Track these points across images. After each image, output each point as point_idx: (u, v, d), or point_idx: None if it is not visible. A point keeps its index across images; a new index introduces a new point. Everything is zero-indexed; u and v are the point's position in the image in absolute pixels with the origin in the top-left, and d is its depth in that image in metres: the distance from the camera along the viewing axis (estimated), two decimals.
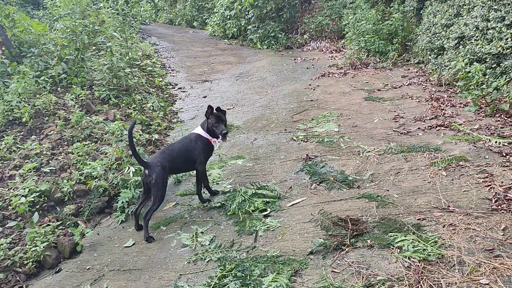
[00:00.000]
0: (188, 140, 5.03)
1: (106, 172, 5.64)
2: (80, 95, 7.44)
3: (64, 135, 6.43)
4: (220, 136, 4.93)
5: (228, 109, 8.44)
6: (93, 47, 9.58)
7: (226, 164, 6.15)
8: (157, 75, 10.16)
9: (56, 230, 4.80)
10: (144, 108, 7.83)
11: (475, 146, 5.48)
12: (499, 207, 4.10)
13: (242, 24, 15.38)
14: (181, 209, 5.15)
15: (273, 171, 5.72)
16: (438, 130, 6.24)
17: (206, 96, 9.30)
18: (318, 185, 5.14)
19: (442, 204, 4.28)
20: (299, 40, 14.39)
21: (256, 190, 5.16)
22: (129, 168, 5.51)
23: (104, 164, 5.62)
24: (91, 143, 6.28)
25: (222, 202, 5.06)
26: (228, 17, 16.01)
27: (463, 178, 4.75)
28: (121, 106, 7.75)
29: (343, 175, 5.27)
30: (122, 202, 5.20)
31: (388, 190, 4.75)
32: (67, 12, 9.49)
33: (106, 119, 7.09)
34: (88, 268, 4.32)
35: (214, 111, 4.95)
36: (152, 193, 4.63)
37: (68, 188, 5.30)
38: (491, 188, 4.46)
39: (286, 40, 14.39)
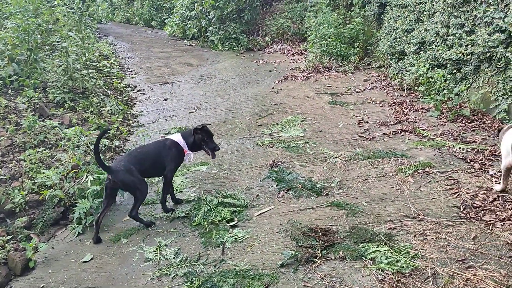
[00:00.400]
0: (162, 145, 4.90)
1: (61, 181, 5.29)
2: (32, 98, 7.01)
3: (15, 141, 6.04)
4: (208, 151, 4.95)
5: (190, 112, 8.23)
6: (47, 47, 9.10)
7: (189, 171, 5.93)
8: (115, 77, 9.77)
9: (6, 244, 4.44)
10: (102, 111, 7.48)
11: (440, 152, 5.52)
12: (468, 215, 4.10)
13: (203, 25, 15.13)
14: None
15: (239, 178, 5.56)
16: (403, 135, 6.26)
17: (167, 99, 9.02)
18: (286, 193, 5.01)
19: (411, 212, 4.25)
20: (260, 42, 14.31)
21: (222, 199, 4.97)
22: (86, 176, 5.19)
23: (60, 173, 5.27)
24: (45, 150, 5.90)
25: (187, 212, 4.82)
26: (188, 17, 15.71)
27: (431, 185, 4.75)
28: (77, 109, 7.36)
29: (310, 182, 5.17)
30: (79, 213, 4.86)
31: (357, 198, 4.68)
32: (19, 9, 8.96)
33: (61, 123, 6.71)
34: (42, 286, 4.00)
35: (204, 127, 4.90)
36: (133, 195, 4.59)
37: (19, 199, 4.92)
38: (458, 195, 4.47)
39: (247, 42, 14.26)
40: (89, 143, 5.68)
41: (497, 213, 4.07)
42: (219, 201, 4.93)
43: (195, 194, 5.23)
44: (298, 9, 13.90)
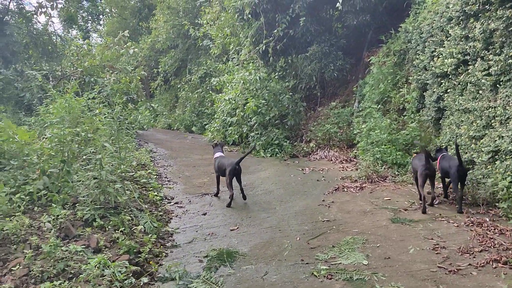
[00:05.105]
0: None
1: None
2: (59, 216, 6.28)
3: (32, 270, 5.18)
4: None
5: (231, 230, 7.29)
6: (84, 157, 8.60)
7: None
8: (151, 188, 9.08)
9: None
10: (134, 230, 6.63)
11: None
12: None
13: (244, 131, 14.72)
14: None
15: None
16: (496, 267, 5.06)
17: (206, 214, 8.16)
18: None
19: None
20: (305, 148, 13.63)
21: None
22: None
23: None
24: (64, 282, 4.99)
25: None
26: (229, 123, 15.42)
27: None
28: (107, 228, 6.56)
29: None
30: None
31: None
32: (58, 119, 8.65)
33: (87, 246, 5.87)
34: None
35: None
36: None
37: None
38: None
39: (291, 148, 13.61)
40: (113, 279, 4.74)
41: None
42: None
43: None
44: (344, 114, 13.34)
